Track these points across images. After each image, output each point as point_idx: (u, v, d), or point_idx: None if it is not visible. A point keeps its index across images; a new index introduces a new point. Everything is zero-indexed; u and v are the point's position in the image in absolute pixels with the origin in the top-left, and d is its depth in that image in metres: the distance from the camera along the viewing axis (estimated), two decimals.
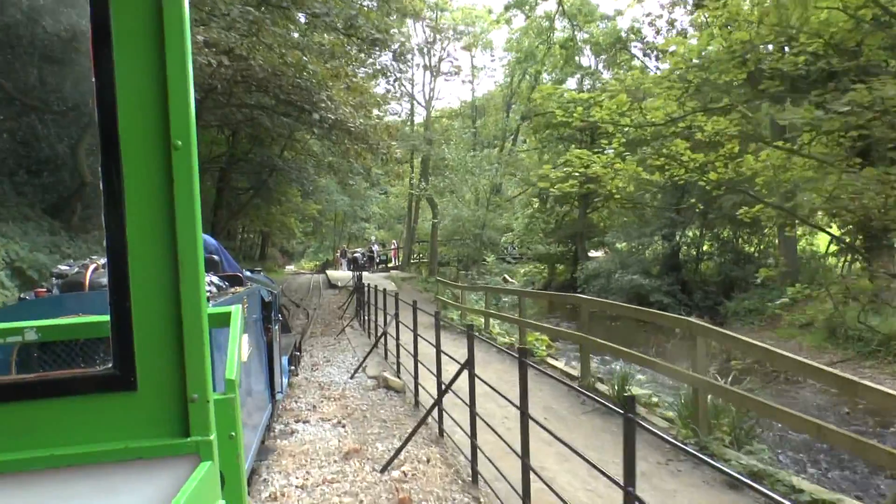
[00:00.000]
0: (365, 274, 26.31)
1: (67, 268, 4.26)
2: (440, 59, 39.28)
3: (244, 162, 27.92)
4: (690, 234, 30.81)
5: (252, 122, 23.41)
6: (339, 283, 31.28)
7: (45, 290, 4.12)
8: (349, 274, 33.96)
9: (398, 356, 9.90)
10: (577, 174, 12.85)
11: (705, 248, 30.55)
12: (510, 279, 50.83)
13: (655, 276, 29.97)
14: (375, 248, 42.46)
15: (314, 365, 10.91)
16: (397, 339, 9.86)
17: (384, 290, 13.53)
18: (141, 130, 1.22)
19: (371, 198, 45.64)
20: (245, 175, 30.43)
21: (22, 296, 4.26)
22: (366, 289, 16.68)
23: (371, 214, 55.37)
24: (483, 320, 15.13)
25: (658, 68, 33.20)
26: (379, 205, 55.30)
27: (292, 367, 9.74)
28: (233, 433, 1.51)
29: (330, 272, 39.11)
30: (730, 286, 28.19)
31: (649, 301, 29.89)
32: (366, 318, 16.11)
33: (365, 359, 10.22)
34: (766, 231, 29.68)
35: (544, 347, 12.02)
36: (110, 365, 1.26)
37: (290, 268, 54.68)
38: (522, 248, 38.56)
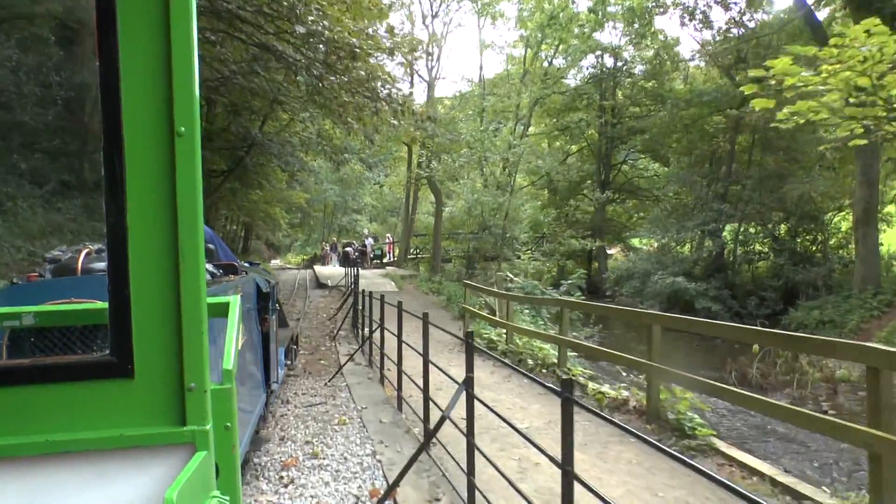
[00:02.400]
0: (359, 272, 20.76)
1: (60, 253, 3.97)
2: (445, 34, 33.79)
3: (220, 139, 22.33)
4: (741, 228, 25.44)
5: (225, 81, 17.82)
6: (330, 282, 25.63)
7: (36, 274, 3.77)
8: (340, 271, 28.26)
9: (471, 470, 4.34)
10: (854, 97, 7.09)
11: (757, 246, 25.19)
12: (514, 278, 45.50)
13: (698, 278, 24.69)
14: (369, 241, 36.71)
15: (285, 468, 5.27)
16: (470, 436, 4.32)
17: (382, 295, 8.22)
18: (144, 117, 1.16)
19: (367, 180, 39.74)
20: (222, 155, 24.82)
21: (14, 280, 4.00)
22: (364, 295, 11.24)
23: (363, 206, 49.61)
24: (556, 351, 9.65)
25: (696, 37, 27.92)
26: (372, 195, 49.54)
27: (288, 362, 9.12)
28: (228, 424, 1.42)
29: (318, 268, 33.34)
30: (792, 292, 22.99)
31: (694, 308, 24.67)
32: (362, 330, 10.69)
33: (397, 482, 4.57)
34: (829, 227, 24.59)
35: (693, 416, 6.58)
36: (107, 352, 1.21)
37: (276, 262, 49.03)
38: (529, 243, 33.17)
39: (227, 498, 1.32)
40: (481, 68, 36.33)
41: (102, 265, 3.49)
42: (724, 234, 25.36)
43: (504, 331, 11.76)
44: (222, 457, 1.37)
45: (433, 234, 30.66)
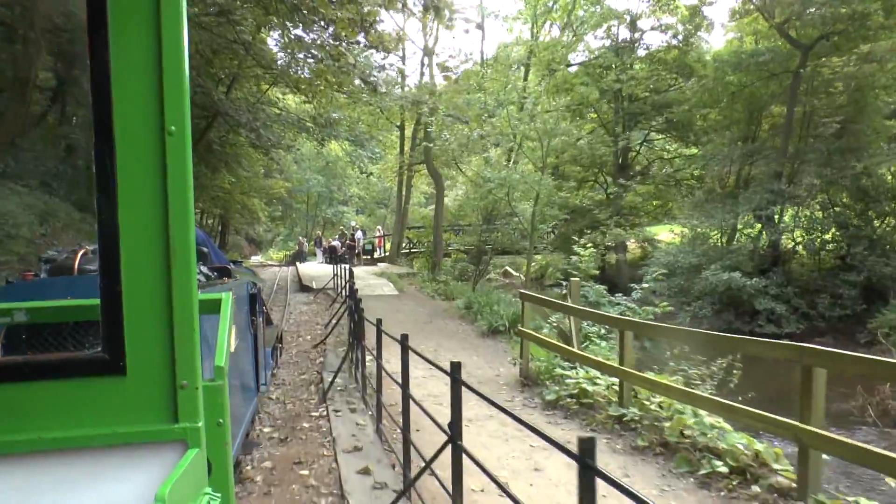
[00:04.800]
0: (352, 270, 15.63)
1: (56, 253, 3.82)
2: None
3: None
4: (804, 213, 20.58)
5: None
6: (315, 284, 20.42)
7: (32, 273, 3.66)
8: (328, 269, 23.03)
9: None
10: None
11: (825, 234, 20.36)
12: (515, 273, 40.25)
13: (752, 272, 19.91)
14: (359, 234, 31.35)
15: None
16: None
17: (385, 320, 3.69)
18: (135, 115, 1.12)
19: (357, 158, 34.34)
20: None
21: (9, 279, 3.97)
22: (364, 318, 6.37)
23: (350, 196, 44.12)
24: (770, 445, 4.67)
25: None
26: (359, 185, 44.06)
27: (274, 367, 8.16)
28: (221, 420, 1.38)
29: (302, 267, 28.00)
30: (873, 288, 18.36)
31: (753, 309, 19.92)
32: (379, 390, 5.71)
33: None
34: None
35: None
36: (99, 349, 1.17)
37: (257, 258, 43.62)
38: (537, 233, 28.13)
39: (219, 495, 1.27)
40: (483, 39, 31.08)
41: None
42: (791, 218, 20.55)
43: (607, 376, 6.77)
44: (214, 454, 1.31)
45: (433, 225, 25.49)
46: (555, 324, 8.49)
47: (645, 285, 11.71)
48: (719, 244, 22.40)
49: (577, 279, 8.57)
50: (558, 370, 7.87)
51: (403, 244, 31.66)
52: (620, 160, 28.81)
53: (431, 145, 19.71)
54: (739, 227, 22.06)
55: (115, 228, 1.11)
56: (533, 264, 38.12)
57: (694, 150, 29.56)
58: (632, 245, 32.62)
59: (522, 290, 8.66)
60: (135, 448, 1.16)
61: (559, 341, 8.38)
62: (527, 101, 17.00)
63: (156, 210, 1.12)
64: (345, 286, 15.74)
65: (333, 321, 12.76)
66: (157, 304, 1.15)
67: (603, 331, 10.21)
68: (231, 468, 1.44)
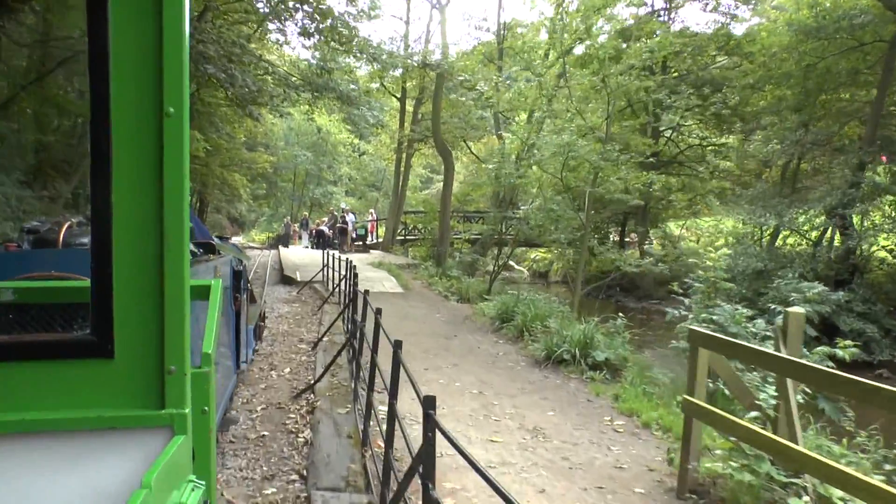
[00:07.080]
0: (340, 256, 11.26)
1: (39, 223, 3.52)
2: None
3: None
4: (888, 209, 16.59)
5: None
6: (299, 275, 16.03)
7: (14, 244, 3.37)
8: (316, 257, 18.64)
9: None
10: None
11: None
12: (516, 266, 36.05)
13: (827, 284, 16.05)
14: (350, 217, 26.91)
15: None
16: None
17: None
18: (133, 96, 1.05)
19: (354, 119, 29.83)
20: None
21: None
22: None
23: (340, 176, 39.42)
24: None
25: None
26: (350, 164, 39.37)
27: (256, 345, 7.76)
28: (206, 408, 1.30)
29: (285, 252, 23.54)
30: None
31: (831, 327, 16.06)
32: None
33: None
34: None
35: None
36: (88, 331, 1.10)
37: (238, 239, 38.95)
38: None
39: (203, 483, 1.20)
40: (501, 8, 26.66)
41: (84, 239, 3.05)
42: (872, 219, 16.58)
43: None
44: (199, 441, 1.25)
45: (440, 210, 21.20)
46: (769, 399, 4.31)
47: (785, 309, 7.53)
48: (768, 245, 18.47)
49: (801, 309, 4.40)
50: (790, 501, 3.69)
51: (399, 230, 27.39)
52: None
53: (465, 100, 15.28)
54: (806, 227, 18.13)
55: (108, 210, 1.05)
56: (535, 258, 34.17)
57: (725, 139, 25.78)
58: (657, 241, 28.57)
59: (695, 328, 4.50)
60: (120, 433, 1.10)
61: (749, 420, 4.22)
62: (588, 40, 12.71)
63: (151, 193, 1.06)
64: (339, 283, 11.48)
65: (325, 339, 8.46)
66: (148, 287, 1.08)
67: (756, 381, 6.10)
68: (214, 455, 1.33)
